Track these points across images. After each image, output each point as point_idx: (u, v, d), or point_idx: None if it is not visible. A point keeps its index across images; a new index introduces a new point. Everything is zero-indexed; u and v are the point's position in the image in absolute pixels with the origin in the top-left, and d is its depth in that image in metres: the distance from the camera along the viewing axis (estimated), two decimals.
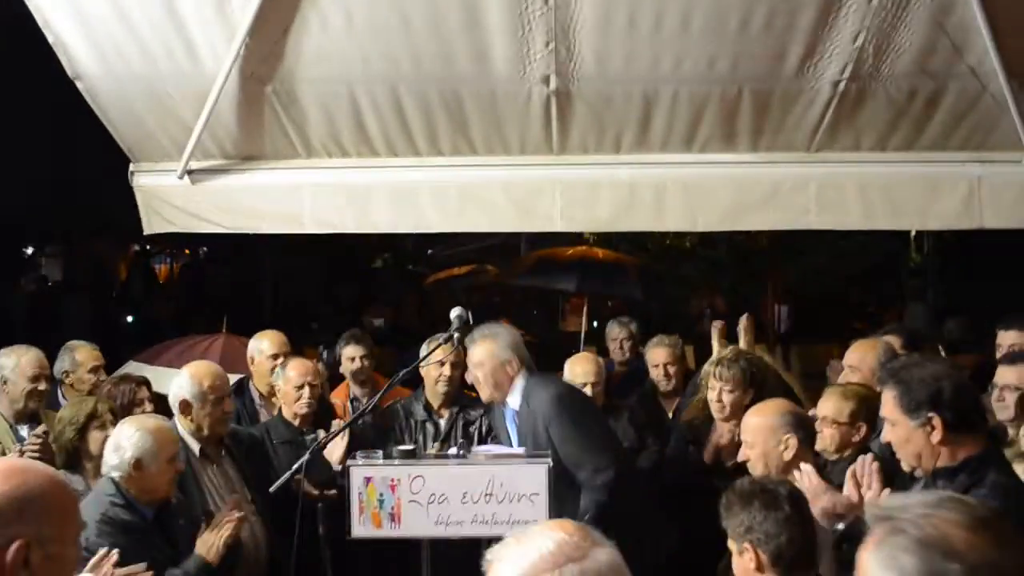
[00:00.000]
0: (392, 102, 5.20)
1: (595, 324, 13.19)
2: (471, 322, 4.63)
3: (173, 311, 19.91)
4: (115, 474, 3.94)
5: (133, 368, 7.53)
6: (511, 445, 4.59)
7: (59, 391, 5.86)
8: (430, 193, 5.58)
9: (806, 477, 3.53)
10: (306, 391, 5.20)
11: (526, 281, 11.88)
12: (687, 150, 5.45)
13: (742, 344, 5.48)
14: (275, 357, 5.66)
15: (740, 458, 3.88)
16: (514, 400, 4.64)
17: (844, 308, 15.68)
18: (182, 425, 4.53)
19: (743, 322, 5.62)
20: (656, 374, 6.11)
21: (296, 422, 5.19)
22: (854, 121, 5.27)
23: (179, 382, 4.59)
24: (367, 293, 19.17)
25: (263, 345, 5.79)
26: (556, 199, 5.54)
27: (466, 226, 5.75)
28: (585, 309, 10.77)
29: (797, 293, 15.48)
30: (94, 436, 4.44)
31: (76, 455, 4.47)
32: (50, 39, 4.95)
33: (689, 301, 15.43)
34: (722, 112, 5.23)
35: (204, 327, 9.49)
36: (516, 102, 5.18)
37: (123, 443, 3.97)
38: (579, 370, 5.63)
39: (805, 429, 3.83)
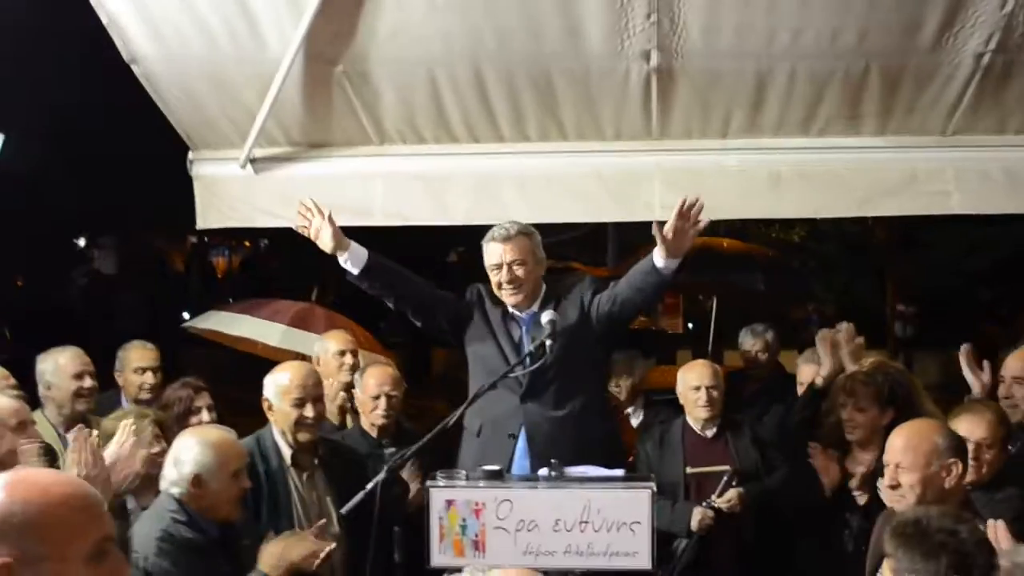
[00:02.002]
0: (474, 83, 5.14)
1: (691, 326, 13.03)
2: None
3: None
4: (174, 490, 3.93)
5: (206, 316, 7.77)
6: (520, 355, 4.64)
7: (122, 395, 5.95)
8: (515, 182, 5.53)
9: (999, 533, 3.28)
10: (383, 401, 5.20)
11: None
12: (804, 134, 5.32)
13: (845, 361, 5.27)
14: (342, 354, 5.72)
15: (887, 482, 3.70)
16: (536, 305, 4.86)
17: (972, 309, 15.22)
18: (276, 430, 4.57)
19: (844, 332, 5.37)
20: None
21: (374, 433, 5.16)
22: (999, 99, 5.07)
23: (267, 379, 4.64)
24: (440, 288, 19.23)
25: (328, 343, 5.81)
26: (656, 187, 5.44)
27: (555, 217, 5.68)
28: (681, 307, 10.64)
29: (920, 292, 15.04)
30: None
31: None
32: (104, 19, 4.98)
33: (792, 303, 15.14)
34: (846, 91, 5.07)
35: None
36: (612, 81, 5.08)
37: (182, 457, 3.96)
38: (693, 375, 5.50)
39: (965, 455, 3.65)
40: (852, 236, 13.69)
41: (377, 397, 5.20)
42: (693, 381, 5.47)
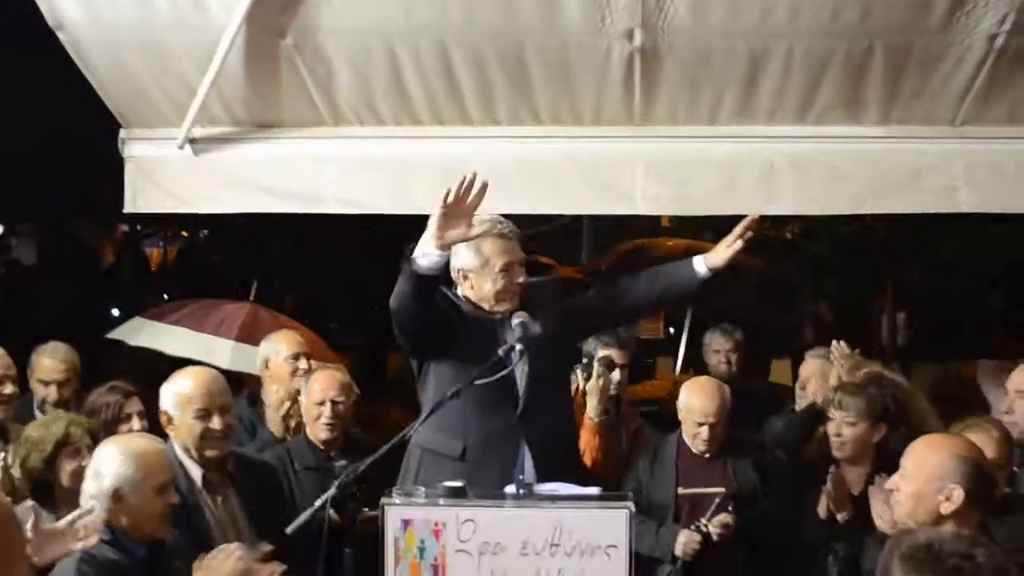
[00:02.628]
0: (439, 59, 5.11)
1: (671, 330, 13.04)
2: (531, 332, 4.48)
3: (164, 302, 20.07)
4: (95, 505, 3.87)
5: (136, 326, 7.59)
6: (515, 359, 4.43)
7: (35, 401, 5.86)
8: (483, 169, 5.41)
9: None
10: (327, 408, 5.15)
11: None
12: (801, 121, 5.34)
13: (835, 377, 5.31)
14: (296, 358, 5.65)
15: (888, 485, 3.71)
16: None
17: (982, 316, 15.28)
18: (178, 446, 4.44)
19: (836, 351, 5.36)
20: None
21: (321, 444, 5.12)
22: (1013, 86, 5.10)
23: (163, 389, 4.47)
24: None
25: (279, 346, 5.75)
26: (637, 177, 5.45)
27: (527, 208, 5.66)
28: (662, 312, 10.63)
29: (922, 297, 15.09)
30: (65, 466, 4.37)
31: (46, 484, 4.40)
32: None
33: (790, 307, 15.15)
34: (847, 74, 5.09)
35: None
36: (591, 60, 5.07)
37: (102, 469, 3.89)
38: (698, 404, 5.43)
39: (982, 485, 3.62)
40: (848, 234, 13.72)
41: (322, 403, 5.13)
42: (696, 416, 5.37)
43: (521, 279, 4.60)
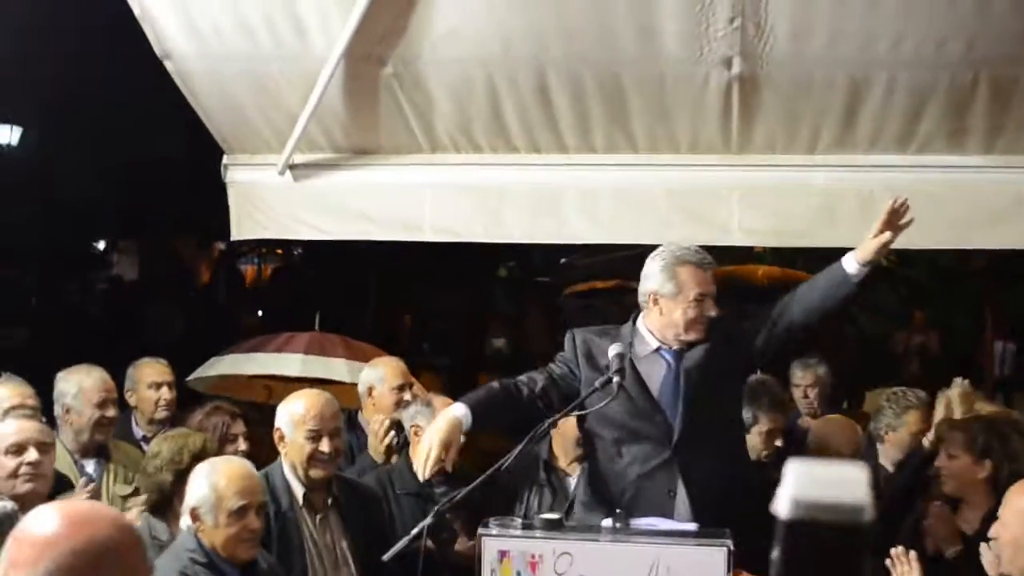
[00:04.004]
0: (537, 88, 5.12)
1: None
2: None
3: (259, 319, 20.36)
4: (186, 524, 3.98)
5: (210, 364, 7.78)
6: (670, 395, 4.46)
7: (132, 417, 5.98)
8: (578, 197, 5.49)
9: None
10: None
11: None
12: (902, 151, 5.24)
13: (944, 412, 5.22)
14: (401, 389, 5.64)
15: (991, 534, 3.63)
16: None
17: None
18: (286, 464, 4.54)
19: (956, 392, 5.29)
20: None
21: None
22: None
23: (280, 408, 4.61)
24: (487, 308, 19.17)
25: (384, 373, 5.77)
26: (734, 207, 5.39)
27: (620, 237, 5.66)
28: None
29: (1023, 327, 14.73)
30: None
31: (168, 499, 4.50)
32: (136, 11, 5.03)
33: (890, 335, 14.80)
34: (950, 104, 4.98)
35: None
36: (689, 89, 5.04)
37: (190, 487, 4.02)
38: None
39: None
40: (946, 262, 13.43)
41: None
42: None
43: (713, 312, 4.50)
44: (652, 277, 4.55)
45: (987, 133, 5.13)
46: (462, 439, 4.28)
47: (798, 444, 5.85)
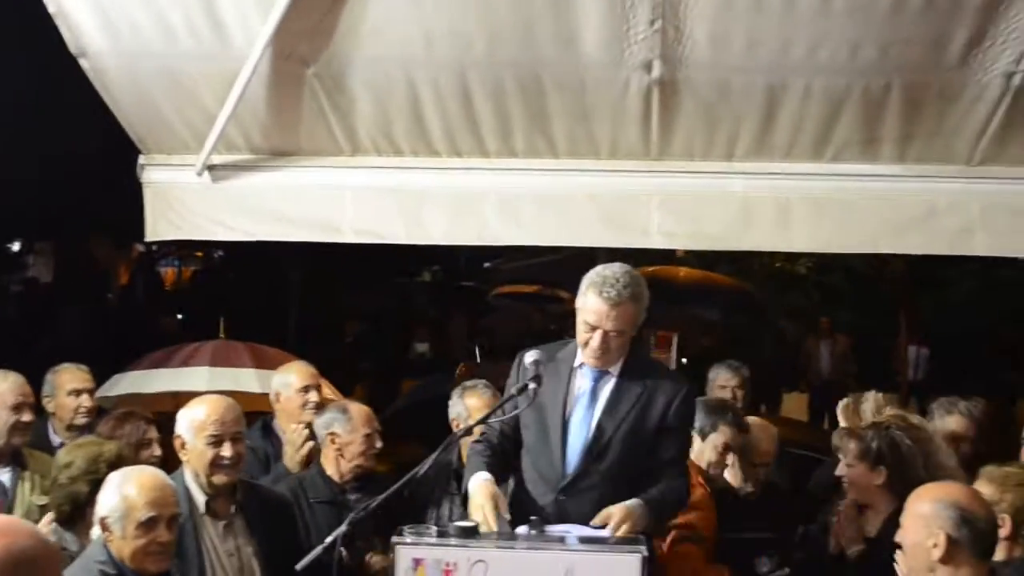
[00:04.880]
0: (459, 91, 5.12)
1: (684, 360, 13.02)
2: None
3: (178, 323, 20.11)
4: (96, 533, 3.91)
5: (115, 381, 7.66)
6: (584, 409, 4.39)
7: (49, 424, 5.86)
8: (499, 201, 5.50)
9: None
10: (375, 439, 5.18)
11: None
12: (817, 158, 5.32)
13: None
14: (305, 390, 5.61)
15: (897, 539, 3.70)
16: (616, 366, 4.43)
17: (996, 353, 15.22)
18: (188, 472, 4.46)
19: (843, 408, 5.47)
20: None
21: (338, 478, 5.11)
22: None
23: (180, 414, 4.52)
24: (411, 312, 19.13)
25: (289, 377, 5.73)
26: (653, 211, 5.43)
27: (541, 240, 5.67)
28: (675, 343, 10.57)
29: (937, 333, 15.04)
30: None
31: (81, 510, 4.40)
32: (51, 8, 4.93)
33: (805, 340, 15.06)
34: (864, 112, 5.07)
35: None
36: (609, 93, 5.06)
37: (101, 496, 3.95)
38: (764, 446, 5.48)
39: (971, 528, 3.59)
40: (862, 269, 13.70)
41: (370, 434, 5.15)
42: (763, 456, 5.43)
43: (603, 346, 4.29)
44: (580, 290, 4.44)
45: (899, 142, 5.21)
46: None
47: None
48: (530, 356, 4.32)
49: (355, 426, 5.18)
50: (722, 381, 7.00)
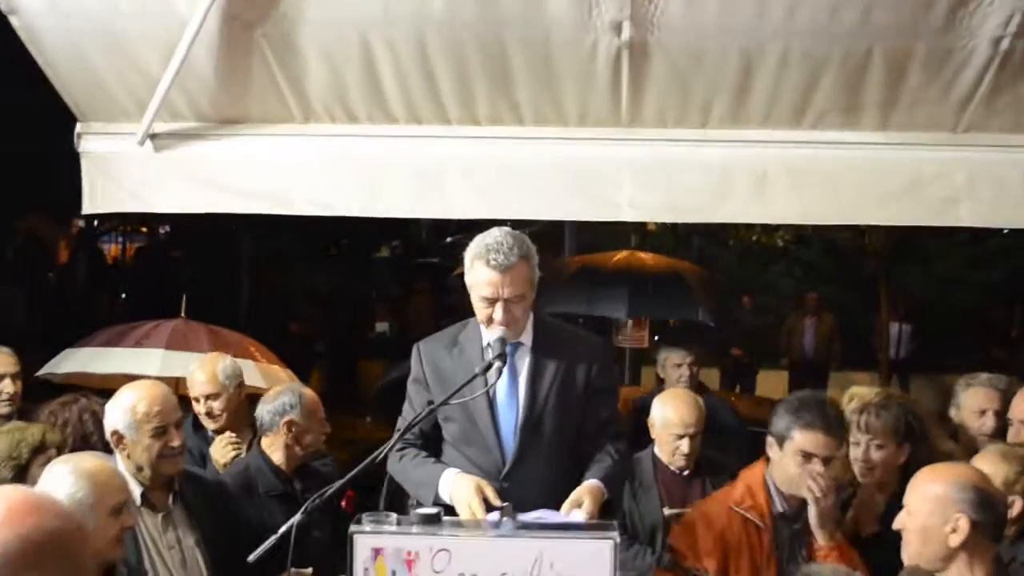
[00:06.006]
0: (416, 54, 5.07)
1: (656, 339, 13.06)
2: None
3: (124, 302, 19.95)
4: None
5: (63, 357, 7.58)
6: (515, 388, 4.44)
7: None
8: (461, 171, 5.47)
9: None
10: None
11: (567, 305, 11.23)
12: (796, 126, 5.30)
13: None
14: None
15: (895, 525, 3.70)
16: (525, 335, 4.51)
17: (980, 329, 15.35)
18: (122, 462, 4.41)
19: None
20: (978, 424, 5.61)
21: (285, 467, 5.11)
22: (1017, 92, 5.07)
23: (110, 407, 4.47)
24: (369, 290, 19.04)
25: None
26: (624, 182, 5.41)
27: (506, 213, 5.62)
28: (648, 321, 10.57)
29: (919, 308, 15.13)
30: (36, 477, 4.32)
31: None
32: None
33: (784, 316, 15.11)
34: (844, 77, 5.06)
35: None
36: (576, 56, 5.02)
37: (54, 491, 3.85)
38: (677, 416, 5.48)
39: (990, 512, 3.61)
40: (842, 242, 13.75)
41: (323, 419, 5.20)
42: (675, 427, 5.45)
43: (508, 316, 4.35)
44: (465, 266, 4.49)
45: (881, 108, 5.21)
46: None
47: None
48: (495, 332, 4.33)
49: (310, 411, 5.20)
50: (676, 359, 7.08)
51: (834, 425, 4.52)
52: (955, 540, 3.57)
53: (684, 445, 5.47)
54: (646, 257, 9.81)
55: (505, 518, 4.02)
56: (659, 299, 9.47)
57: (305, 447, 5.18)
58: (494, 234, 4.41)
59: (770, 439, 4.62)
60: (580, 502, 4.16)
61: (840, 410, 4.79)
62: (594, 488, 4.25)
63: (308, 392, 5.36)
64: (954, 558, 3.56)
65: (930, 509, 3.61)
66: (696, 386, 7.13)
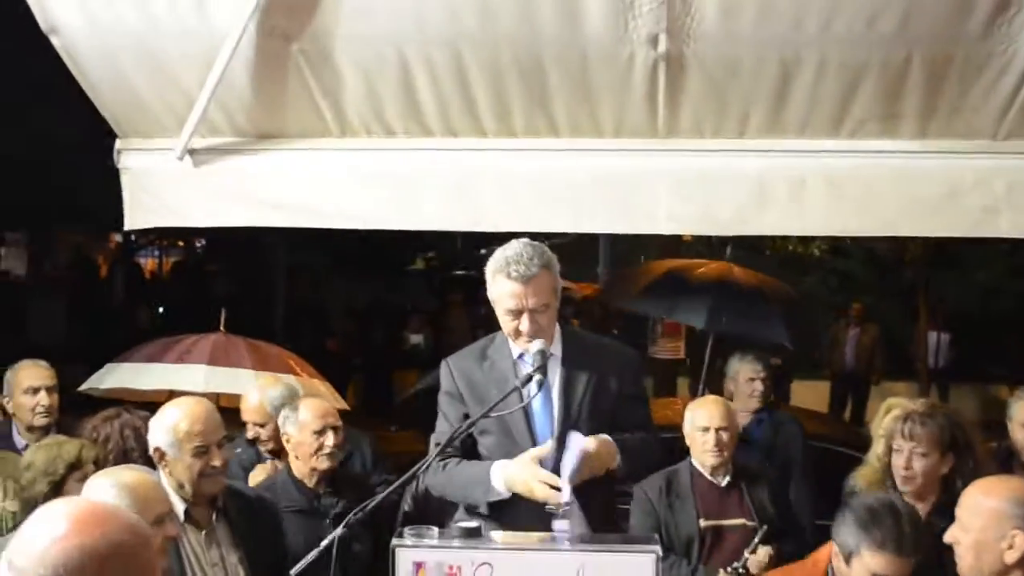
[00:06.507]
0: (453, 68, 5.07)
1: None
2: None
3: (162, 316, 20.09)
4: None
5: (105, 372, 7.63)
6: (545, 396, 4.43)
7: (14, 426, 5.85)
8: (496, 183, 5.46)
9: None
10: (330, 437, 5.15)
11: (644, 307, 11.01)
12: (834, 135, 5.26)
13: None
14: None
15: (947, 538, 3.66)
16: (554, 346, 4.53)
17: (1021, 339, 15.18)
18: (164, 478, 4.42)
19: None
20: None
21: (311, 481, 5.10)
22: None
23: (154, 423, 4.48)
24: (403, 301, 19.06)
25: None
26: (661, 194, 5.38)
27: (542, 226, 5.62)
28: (683, 330, 10.51)
29: (959, 317, 14.99)
30: (72, 493, 4.35)
31: None
32: None
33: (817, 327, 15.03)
34: (883, 86, 5.02)
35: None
36: (613, 69, 5.01)
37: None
38: (703, 412, 5.48)
39: None
40: (881, 251, 13.67)
41: (321, 432, 5.12)
42: (701, 421, 5.47)
43: (534, 327, 4.40)
44: (487, 280, 4.54)
45: (920, 116, 5.16)
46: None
47: None
48: (536, 344, 4.35)
49: (303, 424, 5.17)
50: (751, 373, 6.96)
51: (908, 543, 3.98)
52: (1011, 556, 3.53)
53: (711, 439, 5.44)
54: (737, 271, 9.68)
55: (561, 527, 4.00)
56: (742, 315, 9.27)
57: (304, 461, 5.18)
58: (514, 246, 4.46)
59: (835, 548, 4.19)
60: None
61: (917, 520, 4.19)
62: (603, 437, 4.32)
63: (305, 403, 5.43)
64: (1010, 574, 3.52)
65: (984, 524, 3.57)
66: (768, 402, 7.03)
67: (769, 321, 9.05)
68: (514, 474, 4.29)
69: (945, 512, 4.03)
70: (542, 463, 4.31)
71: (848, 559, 4.07)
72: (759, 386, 6.95)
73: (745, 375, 6.99)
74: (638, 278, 10.68)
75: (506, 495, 4.30)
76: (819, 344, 13.00)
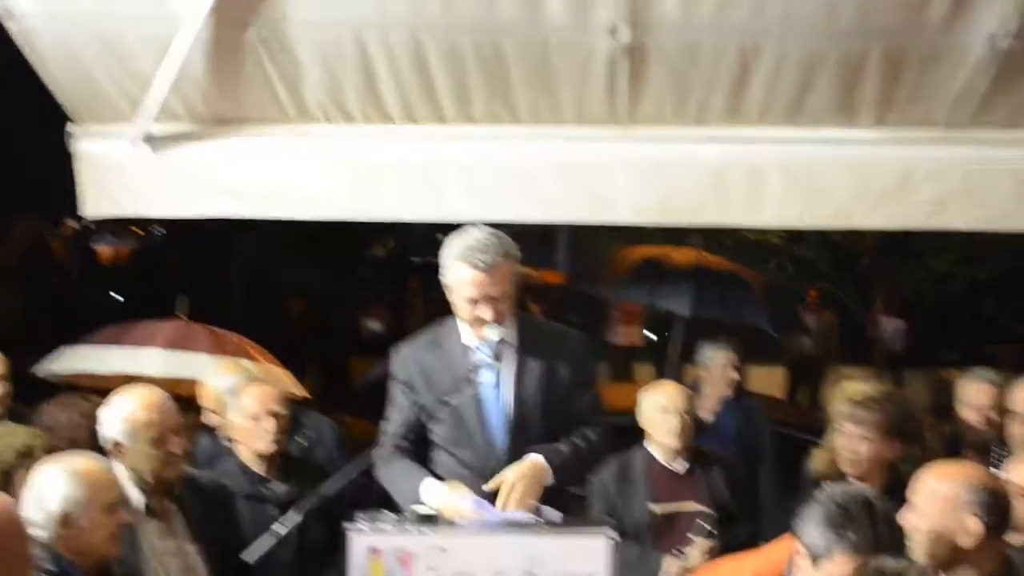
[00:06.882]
0: (412, 54, 5.06)
1: (652, 336, 13.02)
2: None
3: (117, 303, 19.91)
4: (40, 533, 3.80)
5: (59, 355, 7.54)
6: (496, 383, 4.42)
7: None
8: (457, 171, 5.45)
9: None
10: (270, 422, 5.13)
11: (627, 295, 10.93)
12: (793, 123, 5.30)
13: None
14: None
15: (900, 522, 3.68)
16: (509, 334, 4.49)
17: (973, 324, 15.38)
18: (120, 468, 4.37)
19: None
20: (975, 418, 5.67)
21: (258, 467, 5.08)
22: (1014, 90, 5.07)
23: (106, 414, 4.44)
24: (361, 288, 18.99)
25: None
26: (621, 182, 5.40)
27: (503, 215, 5.58)
28: (641, 316, 10.54)
29: (912, 304, 15.18)
30: (21, 482, 4.29)
31: None
32: None
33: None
34: (841, 76, 5.06)
35: None
36: (574, 57, 5.03)
37: (46, 493, 3.84)
38: (664, 396, 5.48)
39: (998, 514, 3.60)
40: (837, 238, 13.80)
41: (262, 417, 5.10)
42: (662, 403, 5.45)
43: (494, 313, 4.37)
44: (443, 266, 4.49)
45: (877, 107, 5.21)
46: None
47: None
48: (492, 333, 4.35)
49: (244, 409, 5.14)
50: (726, 360, 6.96)
51: (885, 545, 3.49)
52: (967, 542, 3.56)
53: (674, 421, 5.43)
54: (710, 257, 9.71)
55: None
56: (724, 300, 9.31)
57: (250, 448, 5.16)
58: (474, 234, 4.42)
59: (800, 547, 3.66)
60: (503, 480, 4.18)
61: (892, 516, 3.65)
62: (524, 466, 4.25)
63: (249, 389, 5.37)
64: (964, 559, 3.55)
65: (940, 509, 3.60)
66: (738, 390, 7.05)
67: (749, 307, 9.13)
68: (444, 504, 4.19)
69: (891, 497, 4.04)
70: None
71: (816, 560, 3.57)
72: (735, 374, 6.96)
73: (722, 362, 6.98)
74: (613, 265, 10.71)
75: (434, 512, 4.19)
76: (798, 329, 13.05)
